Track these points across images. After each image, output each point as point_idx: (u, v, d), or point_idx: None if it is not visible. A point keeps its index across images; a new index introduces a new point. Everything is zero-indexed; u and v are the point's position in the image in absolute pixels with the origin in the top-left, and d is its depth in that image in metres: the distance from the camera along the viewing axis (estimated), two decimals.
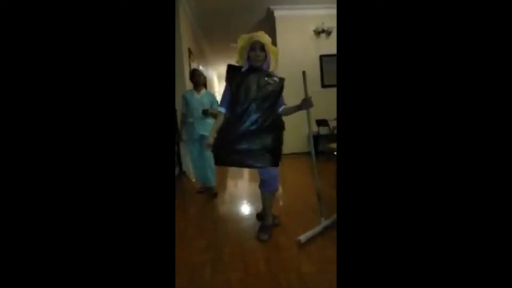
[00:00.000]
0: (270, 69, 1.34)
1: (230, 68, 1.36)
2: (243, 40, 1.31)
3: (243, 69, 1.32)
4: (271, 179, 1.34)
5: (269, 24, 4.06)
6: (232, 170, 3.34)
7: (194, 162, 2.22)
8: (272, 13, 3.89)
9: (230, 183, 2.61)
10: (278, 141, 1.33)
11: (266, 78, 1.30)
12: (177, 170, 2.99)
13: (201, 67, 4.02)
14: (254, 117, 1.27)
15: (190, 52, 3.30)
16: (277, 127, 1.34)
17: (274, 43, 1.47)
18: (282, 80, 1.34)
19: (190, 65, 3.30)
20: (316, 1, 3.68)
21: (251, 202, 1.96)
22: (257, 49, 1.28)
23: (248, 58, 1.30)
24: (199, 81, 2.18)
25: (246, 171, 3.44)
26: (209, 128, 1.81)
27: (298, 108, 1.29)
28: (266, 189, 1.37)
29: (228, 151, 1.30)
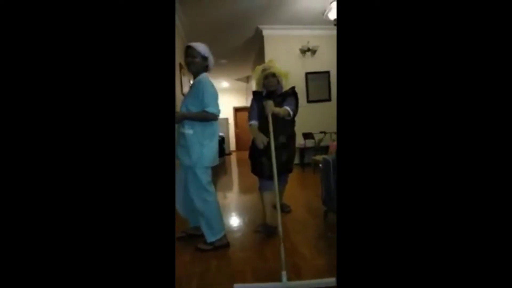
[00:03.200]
0: (284, 89, 1.67)
1: (255, 93, 1.71)
2: (257, 71, 1.68)
3: (264, 94, 1.67)
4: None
5: (257, 42, 4.25)
6: (222, 181, 3.31)
7: (179, 194, 1.40)
8: (261, 32, 4.09)
9: (219, 194, 2.59)
10: (292, 152, 1.67)
11: (278, 98, 1.60)
12: None
13: (191, 81, 3.91)
14: (278, 131, 1.48)
15: (181, 66, 3.37)
16: (290, 138, 1.64)
17: (262, 60, 1.65)
18: (286, 91, 1.63)
19: (181, 79, 3.34)
20: (302, 22, 3.92)
21: (239, 214, 1.96)
22: (269, 78, 1.62)
23: (264, 85, 1.66)
24: (192, 64, 1.31)
25: (235, 183, 3.43)
26: (185, 151, 1.28)
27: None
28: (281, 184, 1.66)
29: (262, 162, 1.54)
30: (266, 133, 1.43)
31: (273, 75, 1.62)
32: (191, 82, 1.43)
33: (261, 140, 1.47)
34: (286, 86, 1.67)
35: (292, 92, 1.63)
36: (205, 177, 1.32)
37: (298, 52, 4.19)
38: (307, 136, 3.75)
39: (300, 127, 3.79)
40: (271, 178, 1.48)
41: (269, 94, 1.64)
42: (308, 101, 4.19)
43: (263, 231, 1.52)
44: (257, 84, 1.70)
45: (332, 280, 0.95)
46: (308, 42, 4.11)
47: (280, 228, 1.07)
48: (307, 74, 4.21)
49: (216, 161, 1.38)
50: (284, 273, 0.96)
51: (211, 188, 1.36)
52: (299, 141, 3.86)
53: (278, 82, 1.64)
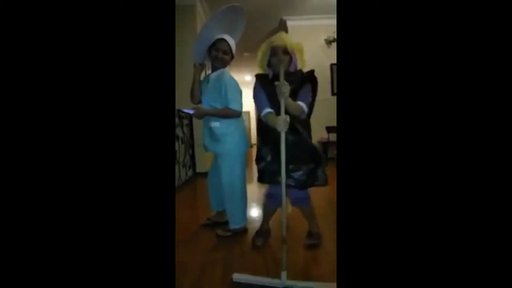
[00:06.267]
0: (299, 68, 1.18)
1: (258, 77, 1.22)
2: (263, 46, 1.18)
3: (270, 76, 1.19)
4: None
5: None
6: None
7: (209, 180, 1.51)
8: (285, 23, 4.00)
9: None
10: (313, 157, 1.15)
11: (291, 82, 1.09)
12: (190, 172, 3.08)
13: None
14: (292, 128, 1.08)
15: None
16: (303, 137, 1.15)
17: None
18: (302, 74, 1.17)
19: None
20: (327, 11, 3.76)
21: (260, 205, 1.99)
22: (279, 54, 1.12)
23: (269, 65, 1.17)
24: (222, 61, 1.33)
25: (255, 175, 3.46)
26: (216, 143, 1.34)
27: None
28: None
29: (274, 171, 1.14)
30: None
31: (285, 50, 1.12)
32: (207, 73, 1.40)
33: (284, 122, 1.01)
34: (301, 65, 1.18)
35: (311, 77, 1.17)
36: (238, 165, 1.35)
37: (323, 42, 4.04)
38: (330, 129, 3.65)
39: (323, 121, 3.70)
40: (271, 182, 1.18)
41: (277, 77, 1.11)
42: (333, 94, 4.05)
43: (262, 238, 1.31)
44: (261, 63, 1.19)
45: (332, 285, 0.88)
46: (334, 32, 3.94)
47: (284, 231, 1.00)
48: (332, 65, 4.05)
49: (248, 145, 1.42)
50: (284, 273, 0.96)
51: (243, 176, 1.39)
52: (322, 135, 3.78)
53: (291, 61, 1.15)
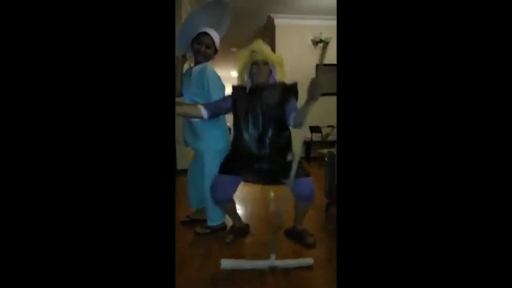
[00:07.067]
0: (278, 80, 1.22)
1: (234, 89, 1.25)
2: (242, 56, 1.21)
3: (247, 89, 1.20)
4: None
5: (269, 31, 4.17)
6: None
7: (188, 176, 1.50)
8: (273, 20, 4.00)
9: None
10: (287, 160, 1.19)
11: (273, 93, 1.17)
12: None
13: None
14: (270, 136, 1.17)
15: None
16: (285, 147, 1.21)
17: (273, 50, 1.38)
18: (285, 86, 1.20)
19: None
20: (315, 11, 3.81)
21: (242, 202, 2.00)
22: (259, 64, 1.17)
23: (251, 75, 1.19)
24: (204, 54, 1.31)
25: None
26: (194, 137, 1.35)
27: (308, 102, 1.03)
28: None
29: (251, 171, 1.21)
30: (251, 151, 1.16)
31: (265, 62, 1.16)
32: (191, 66, 1.38)
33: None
34: (281, 77, 1.22)
35: (295, 90, 1.19)
36: (219, 162, 1.32)
37: (310, 43, 4.10)
38: (314, 129, 3.73)
39: (307, 120, 3.75)
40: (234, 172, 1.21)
41: (256, 89, 1.18)
42: None
43: (232, 235, 1.31)
44: (240, 73, 1.22)
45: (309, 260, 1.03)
46: (321, 33, 4.01)
47: (280, 218, 1.06)
48: (317, 66, 4.13)
49: (229, 142, 1.38)
50: (273, 255, 1.00)
51: None
52: (306, 134, 3.85)
53: (271, 73, 1.19)
